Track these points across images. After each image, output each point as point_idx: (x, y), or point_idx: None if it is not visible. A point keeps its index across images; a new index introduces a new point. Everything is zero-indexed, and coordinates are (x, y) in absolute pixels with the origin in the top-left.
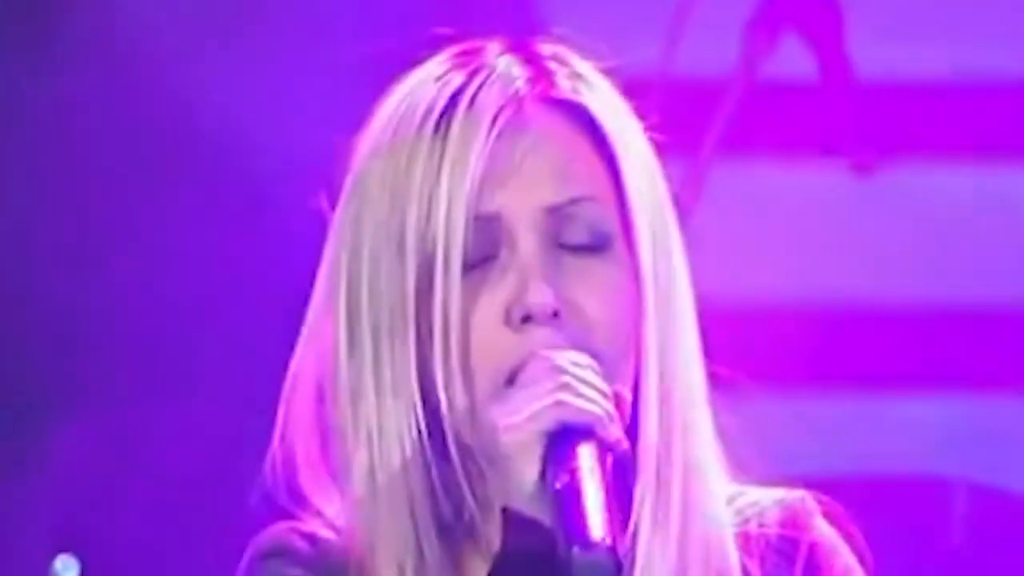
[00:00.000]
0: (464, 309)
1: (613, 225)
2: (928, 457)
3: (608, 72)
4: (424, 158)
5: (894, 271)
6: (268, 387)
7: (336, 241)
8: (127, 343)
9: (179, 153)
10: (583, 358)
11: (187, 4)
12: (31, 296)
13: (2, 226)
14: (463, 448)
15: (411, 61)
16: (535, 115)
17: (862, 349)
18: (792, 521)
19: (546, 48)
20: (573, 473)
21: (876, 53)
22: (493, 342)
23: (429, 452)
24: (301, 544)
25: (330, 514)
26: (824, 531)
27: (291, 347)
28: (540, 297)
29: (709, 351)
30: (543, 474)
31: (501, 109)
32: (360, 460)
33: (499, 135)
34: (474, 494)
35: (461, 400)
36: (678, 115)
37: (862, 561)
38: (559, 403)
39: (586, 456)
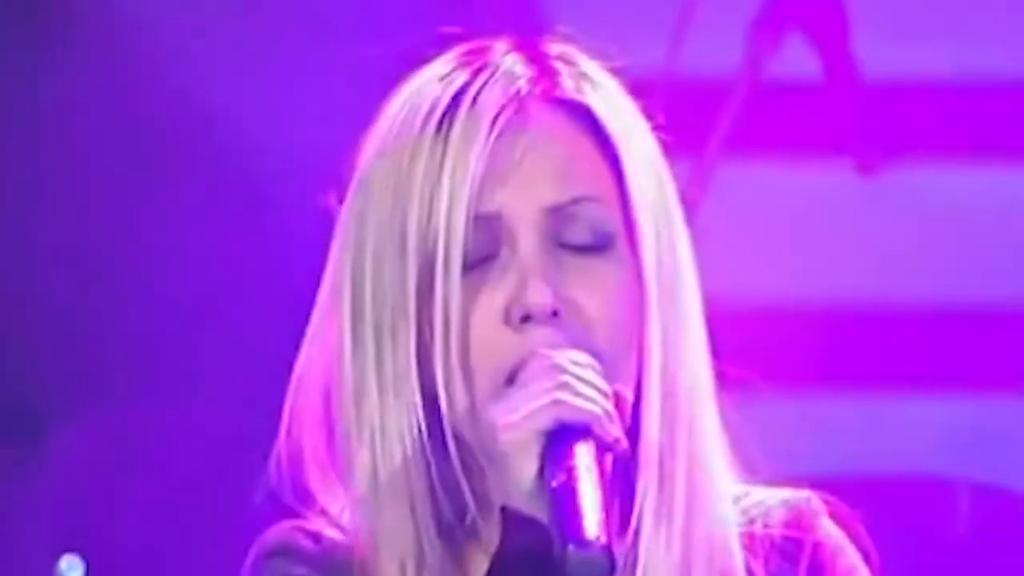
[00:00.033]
0: (464, 308)
1: (616, 225)
2: (929, 456)
3: (614, 72)
4: (426, 157)
5: (898, 271)
6: (268, 387)
7: (341, 240)
8: (127, 343)
9: (179, 153)
10: (583, 357)
11: (187, 4)
12: (31, 296)
13: (2, 226)
14: (464, 447)
15: (415, 61)
16: (538, 114)
17: (865, 349)
18: (796, 521)
19: (553, 48)
20: (570, 472)
21: (881, 53)
22: (493, 341)
23: (430, 451)
24: (306, 543)
25: (334, 512)
26: (829, 531)
27: (291, 347)
28: (539, 297)
29: (711, 350)
30: (541, 472)
31: (503, 108)
32: (362, 459)
33: (500, 134)
34: (474, 493)
35: (461, 399)
36: (683, 115)
37: (868, 561)
38: (557, 402)
39: (583, 455)
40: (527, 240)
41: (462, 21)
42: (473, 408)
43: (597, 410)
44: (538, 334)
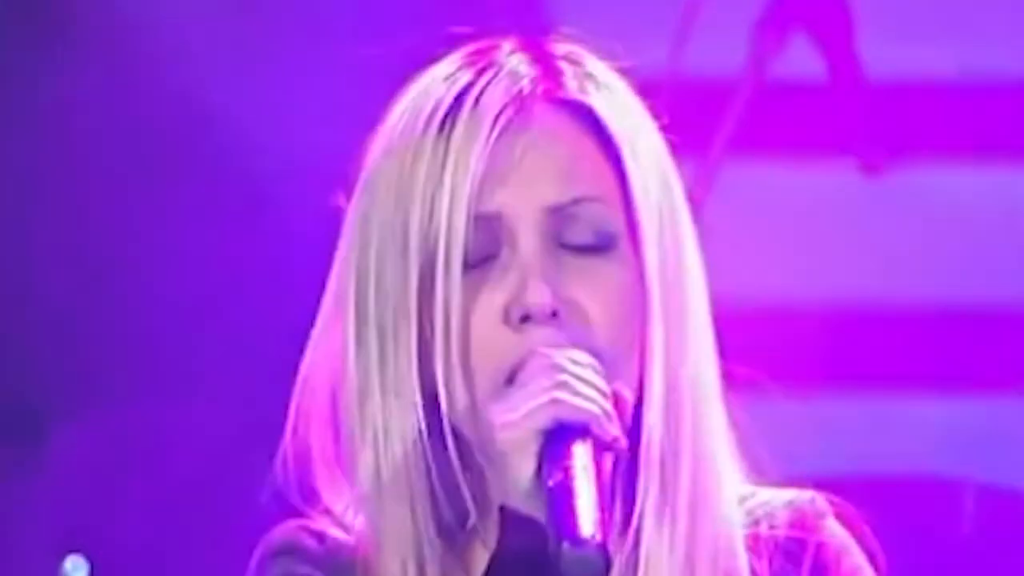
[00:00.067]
0: (465, 308)
1: (618, 225)
2: (933, 456)
3: (621, 72)
4: (428, 157)
5: (902, 271)
6: (268, 387)
7: (346, 240)
8: (127, 343)
9: (179, 153)
10: (583, 356)
11: (187, 4)
12: (31, 296)
13: (2, 226)
14: (464, 447)
15: (417, 60)
16: (540, 114)
17: (869, 349)
18: (800, 522)
19: (560, 48)
20: (567, 471)
21: (885, 53)
22: (493, 341)
23: (431, 451)
24: (310, 542)
25: (338, 511)
26: (833, 532)
27: (291, 346)
28: (538, 297)
29: (716, 350)
30: (539, 472)
31: (504, 108)
32: (366, 459)
33: (502, 134)
34: (474, 493)
35: (462, 398)
36: (687, 116)
37: (873, 561)
38: (555, 401)
39: (581, 454)
40: (528, 240)
41: (461, 21)
42: (473, 407)
43: (596, 409)
44: (538, 334)
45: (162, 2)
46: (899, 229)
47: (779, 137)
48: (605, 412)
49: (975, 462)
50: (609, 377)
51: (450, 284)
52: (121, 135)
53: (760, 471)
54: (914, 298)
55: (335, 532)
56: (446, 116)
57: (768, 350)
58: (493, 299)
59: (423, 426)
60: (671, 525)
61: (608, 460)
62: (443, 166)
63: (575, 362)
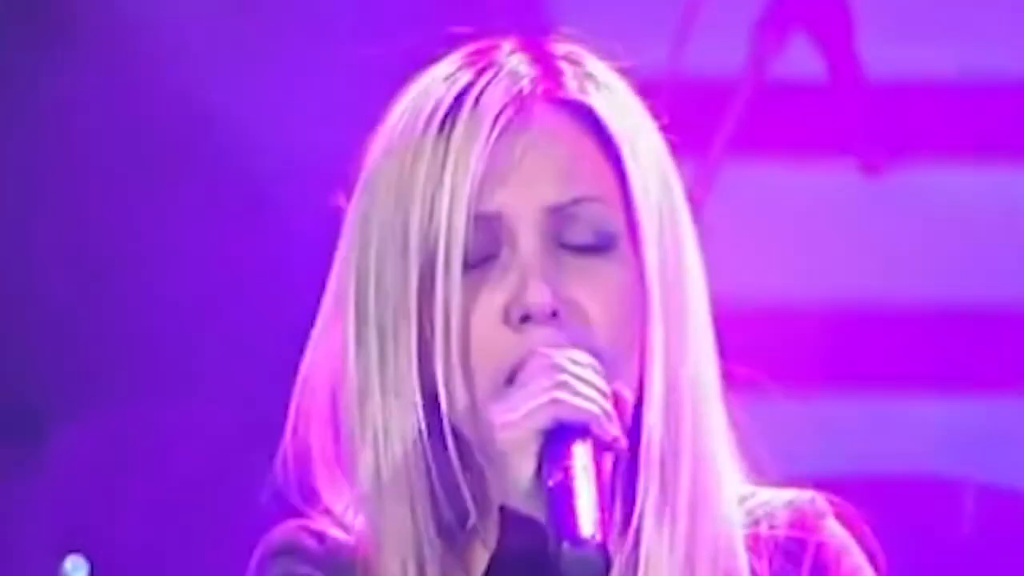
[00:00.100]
0: (464, 308)
1: (618, 225)
2: (933, 456)
3: (621, 72)
4: (428, 157)
5: (902, 271)
6: (268, 386)
7: (346, 240)
8: (127, 343)
9: (179, 153)
10: (583, 356)
11: (187, 4)
12: (31, 296)
13: (2, 226)
14: (464, 447)
15: (417, 60)
16: (540, 114)
17: (869, 349)
18: (800, 522)
19: (560, 48)
20: (566, 471)
21: (885, 53)
22: (492, 341)
23: (431, 451)
24: (310, 542)
25: (338, 511)
26: (833, 532)
27: (291, 346)
28: (538, 297)
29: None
30: (539, 472)
31: (504, 108)
32: (366, 459)
33: (502, 134)
34: (475, 493)
35: (462, 398)
36: (687, 116)
37: (874, 562)
38: (555, 401)
39: (580, 454)
40: (527, 240)
41: (461, 21)
42: (473, 407)
43: (595, 409)
44: (538, 334)
45: (162, 2)
46: (899, 229)
47: (779, 137)
48: (605, 412)
49: (975, 462)
50: (609, 377)
51: (450, 284)
52: (121, 135)
53: (760, 471)
54: (914, 298)
55: (335, 532)
56: (446, 116)
57: (768, 350)
58: (493, 299)
59: (423, 426)
60: (671, 525)
61: (608, 460)
62: (443, 166)
63: (575, 362)
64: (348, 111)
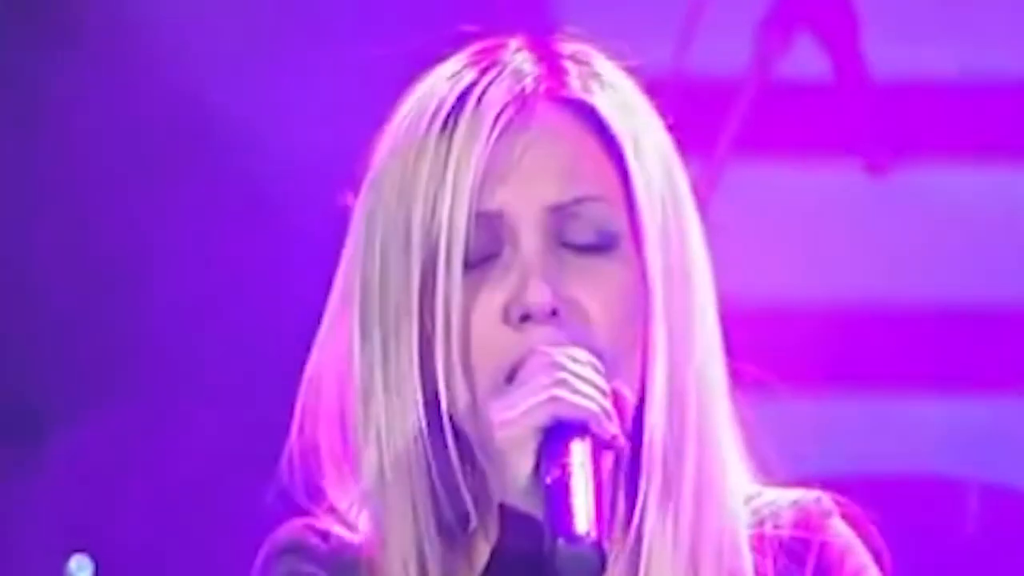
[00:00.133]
0: (465, 306)
1: (620, 225)
2: (936, 456)
3: (627, 72)
4: (431, 156)
5: (905, 271)
6: (268, 386)
7: (353, 238)
8: (127, 343)
9: (179, 153)
10: (582, 355)
11: (187, 4)
12: (31, 296)
13: (2, 226)
14: (464, 445)
15: (419, 60)
16: (543, 113)
17: (872, 348)
18: (805, 522)
19: (566, 47)
20: (564, 468)
21: (889, 54)
22: (493, 340)
23: (432, 449)
24: (315, 541)
25: (343, 509)
26: (838, 532)
27: (291, 346)
28: (538, 296)
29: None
30: (538, 469)
31: (506, 106)
32: (369, 457)
33: (503, 132)
34: (475, 490)
35: (462, 396)
36: (692, 115)
37: (879, 561)
38: (554, 399)
39: (579, 452)
40: (529, 239)
41: (468, 20)
42: (473, 405)
43: (594, 407)
44: (538, 333)
45: (162, 2)
46: (902, 229)
47: (784, 137)
48: (604, 410)
49: (977, 462)
50: (609, 376)
51: (451, 282)
52: (121, 135)
53: (767, 471)
54: (917, 298)
55: (340, 530)
56: (449, 115)
57: (771, 349)
58: (494, 298)
59: (424, 424)
60: (674, 522)
61: (608, 458)
62: (445, 164)
63: (575, 360)
64: (348, 111)
